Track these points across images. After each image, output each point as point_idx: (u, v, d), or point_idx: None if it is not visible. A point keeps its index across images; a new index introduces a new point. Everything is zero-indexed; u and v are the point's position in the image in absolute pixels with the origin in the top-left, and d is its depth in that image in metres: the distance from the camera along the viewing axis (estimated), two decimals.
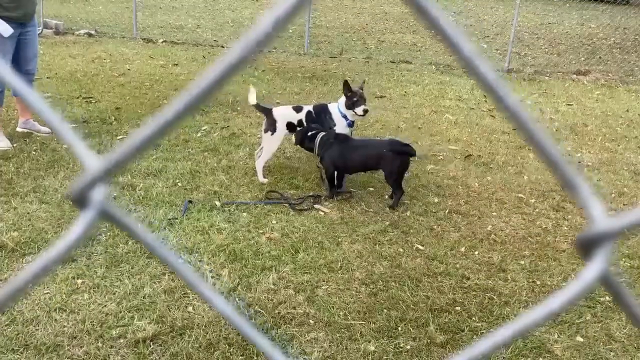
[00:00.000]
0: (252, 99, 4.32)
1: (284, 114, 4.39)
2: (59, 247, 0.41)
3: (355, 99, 4.24)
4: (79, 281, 2.89)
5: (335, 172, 4.12)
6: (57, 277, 2.89)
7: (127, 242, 3.25)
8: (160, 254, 0.45)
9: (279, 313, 2.76)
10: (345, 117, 4.31)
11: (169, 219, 3.58)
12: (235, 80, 7.49)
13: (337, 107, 4.36)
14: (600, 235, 0.39)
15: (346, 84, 4.26)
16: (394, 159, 3.96)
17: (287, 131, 4.38)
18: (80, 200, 0.40)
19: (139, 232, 0.43)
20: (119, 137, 4.93)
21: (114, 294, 2.81)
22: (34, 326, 2.55)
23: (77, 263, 3.03)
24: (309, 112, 4.42)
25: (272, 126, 4.31)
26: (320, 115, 4.40)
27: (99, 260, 3.08)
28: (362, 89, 4.38)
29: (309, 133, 4.21)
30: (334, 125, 4.33)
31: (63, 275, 2.90)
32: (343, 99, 4.31)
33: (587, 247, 0.40)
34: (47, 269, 0.41)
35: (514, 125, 0.40)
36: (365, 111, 4.24)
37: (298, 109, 4.44)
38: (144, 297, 2.80)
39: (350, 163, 4.10)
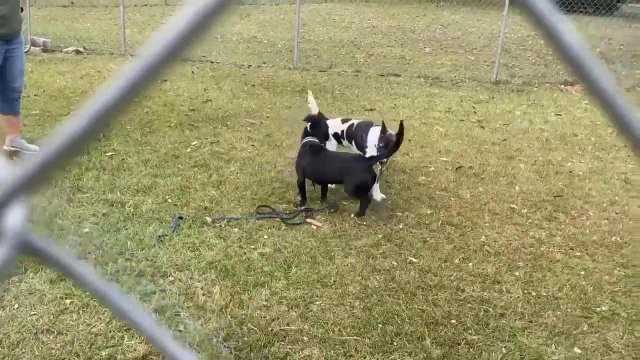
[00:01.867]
0: (315, 107, 4.58)
1: (333, 125, 4.56)
2: None
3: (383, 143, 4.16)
4: (68, 301, 2.82)
5: (316, 184, 4.31)
6: (45, 298, 2.82)
7: (116, 261, 3.20)
8: (94, 288, 0.38)
9: (272, 330, 2.71)
10: (377, 146, 4.25)
11: (159, 236, 3.53)
12: (226, 95, 7.48)
13: (377, 132, 4.25)
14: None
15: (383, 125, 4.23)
16: (356, 176, 3.98)
17: (335, 141, 4.59)
18: None
19: (69, 265, 0.37)
20: (107, 154, 4.88)
21: (103, 313, 2.75)
22: (21, 349, 2.48)
23: (65, 282, 2.97)
24: (350, 126, 4.53)
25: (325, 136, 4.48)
26: (357, 133, 4.44)
27: None
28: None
29: (302, 141, 4.26)
30: (366, 146, 4.32)
31: (51, 296, 2.84)
32: (378, 130, 4.23)
33: None
34: None
35: (621, 135, 0.35)
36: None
37: (344, 121, 4.61)
38: None
39: (317, 173, 4.19)
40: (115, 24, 12.75)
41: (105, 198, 4.01)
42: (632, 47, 15.61)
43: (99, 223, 3.65)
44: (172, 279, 3.09)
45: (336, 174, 4.14)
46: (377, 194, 4.25)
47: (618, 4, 26.47)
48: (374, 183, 4.09)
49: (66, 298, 2.84)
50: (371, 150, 4.29)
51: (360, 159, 4.09)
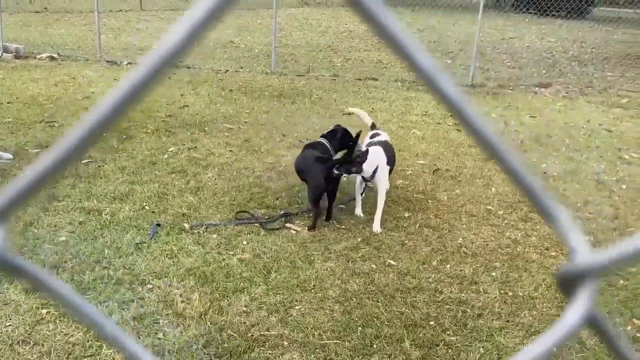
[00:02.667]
0: (368, 119, 4.68)
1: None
2: None
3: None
4: (44, 311, 2.79)
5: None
6: (20, 308, 2.78)
7: (93, 269, 3.16)
8: (70, 302, 0.38)
9: (252, 336, 2.71)
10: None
11: (137, 243, 3.50)
12: (203, 100, 7.45)
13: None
14: (584, 272, 0.34)
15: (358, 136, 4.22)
16: (311, 177, 3.96)
17: None
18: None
19: (49, 284, 0.37)
20: (83, 161, 4.83)
21: (81, 322, 2.71)
22: None
23: (41, 292, 2.92)
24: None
25: None
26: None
27: None
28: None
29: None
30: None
31: (27, 306, 2.80)
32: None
33: (569, 285, 0.34)
34: None
35: (477, 142, 0.37)
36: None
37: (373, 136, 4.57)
38: None
39: (296, 169, 4.17)
40: (90, 29, 12.62)
41: (81, 206, 3.97)
42: (603, 49, 15.93)
43: (76, 231, 3.61)
44: (151, 286, 3.07)
45: (302, 174, 4.09)
46: (358, 209, 4.22)
47: (589, 8, 27.02)
48: (331, 189, 3.98)
49: (42, 308, 2.81)
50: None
51: (319, 160, 3.94)
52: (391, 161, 4.16)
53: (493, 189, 4.80)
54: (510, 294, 3.22)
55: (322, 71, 10.40)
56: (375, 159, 3.99)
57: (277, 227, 3.88)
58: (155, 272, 3.20)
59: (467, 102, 0.35)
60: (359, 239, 3.78)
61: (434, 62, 0.34)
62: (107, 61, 10.10)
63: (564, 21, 22.20)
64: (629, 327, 2.94)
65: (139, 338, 2.63)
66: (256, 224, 3.87)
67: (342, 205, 4.33)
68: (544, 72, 11.62)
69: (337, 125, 4.46)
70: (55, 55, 10.19)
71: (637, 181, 5.25)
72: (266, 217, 3.98)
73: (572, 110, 8.30)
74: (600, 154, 6.05)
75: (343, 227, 3.97)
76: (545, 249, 3.78)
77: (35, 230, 3.58)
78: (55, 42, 11.46)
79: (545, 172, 5.33)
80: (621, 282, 3.40)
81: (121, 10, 18.80)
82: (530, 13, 26.63)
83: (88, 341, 2.58)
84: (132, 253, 3.39)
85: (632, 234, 4.05)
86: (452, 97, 0.34)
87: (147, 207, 4.04)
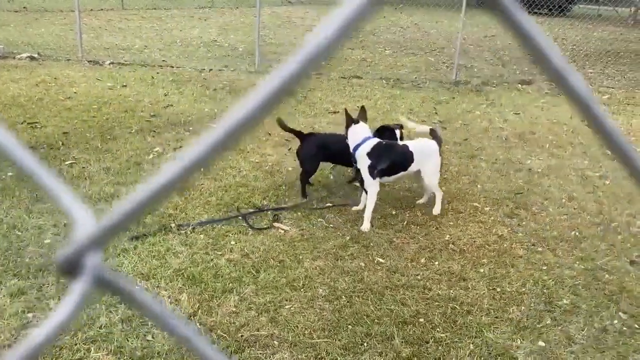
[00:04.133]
0: (421, 127, 4.51)
1: None
2: (48, 328, 0.34)
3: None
4: (30, 315, 2.75)
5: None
6: (5, 312, 2.74)
7: None
8: (168, 325, 0.39)
9: (242, 336, 2.69)
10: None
11: (133, 239, 3.46)
12: (187, 100, 7.40)
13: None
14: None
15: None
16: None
17: None
18: (70, 269, 0.34)
19: (143, 301, 0.38)
20: (67, 163, 4.77)
21: (68, 326, 2.68)
22: None
23: (27, 296, 2.89)
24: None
25: None
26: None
27: (50, 291, 2.94)
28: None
29: None
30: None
31: (12, 310, 2.76)
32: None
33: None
34: (32, 357, 0.34)
35: (603, 142, 0.38)
36: None
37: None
38: (100, 328, 2.68)
39: None
40: (71, 29, 12.46)
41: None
42: (584, 46, 16.11)
43: (61, 234, 3.56)
44: (138, 288, 3.03)
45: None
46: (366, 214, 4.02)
47: (570, 5, 27.33)
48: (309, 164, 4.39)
49: (28, 312, 2.77)
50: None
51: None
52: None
53: (479, 186, 4.83)
54: (498, 290, 3.24)
55: None
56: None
57: (266, 226, 3.87)
58: (142, 274, 3.17)
59: (596, 101, 0.35)
60: (348, 238, 3.78)
61: (565, 60, 0.34)
62: (89, 61, 9.98)
63: (545, 18, 22.42)
64: (616, 321, 2.98)
65: (128, 340, 2.61)
66: (244, 224, 3.85)
67: (330, 204, 4.33)
68: (527, 69, 11.72)
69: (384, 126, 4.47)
70: (36, 55, 10.04)
71: (619, 176, 5.31)
72: (254, 214, 3.96)
73: (555, 106, 8.38)
74: (584, 150, 6.12)
75: (331, 225, 3.97)
76: (532, 245, 3.81)
77: (19, 233, 3.53)
78: (36, 42, 11.30)
79: (529, 169, 5.37)
80: (607, 276, 3.44)
81: (102, 9, 18.59)
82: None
83: (76, 344, 2.55)
84: (119, 255, 3.35)
85: (616, 228, 4.12)
86: (581, 95, 0.35)
87: None
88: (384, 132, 4.33)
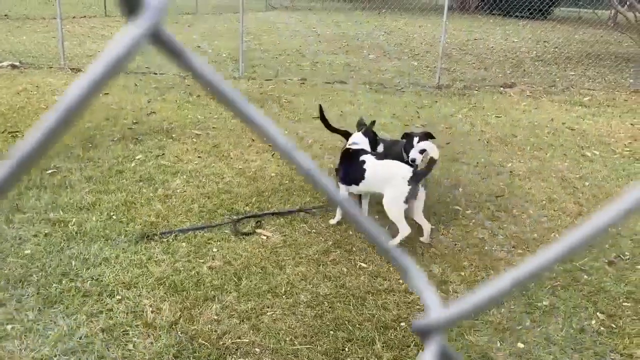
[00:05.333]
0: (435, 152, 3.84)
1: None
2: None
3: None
4: (9, 327, 2.73)
5: None
6: None
7: (60, 282, 3.11)
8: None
9: (223, 344, 2.69)
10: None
11: (105, 255, 3.45)
12: (170, 106, 7.38)
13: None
14: (434, 326, 0.46)
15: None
16: None
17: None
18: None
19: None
20: (48, 172, 4.74)
21: (48, 337, 2.67)
22: None
23: (6, 307, 2.86)
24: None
25: None
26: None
27: (30, 302, 2.92)
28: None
29: None
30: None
31: None
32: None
33: (424, 334, 0.47)
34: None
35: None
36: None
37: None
38: (80, 338, 2.67)
39: None
40: (53, 36, 12.37)
41: (46, 217, 3.89)
42: (565, 48, 16.29)
43: (41, 244, 3.54)
44: (120, 297, 3.03)
45: None
46: (420, 220, 3.89)
47: (551, 8, 27.66)
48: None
49: (7, 324, 2.75)
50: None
51: None
52: None
53: (460, 189, 4.87)
54: None
55: (291, 75, 10.40)
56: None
57: (248, 232, 3.87)
58: (124, 283, 3.16)
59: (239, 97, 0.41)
60: (330, 243, 3.79)
61: (218, 76, 0.39)
62: (72, 69, 9.93)
63: (527, 21, 22.66)
64: (593, 321, 3.02)
65: (108, 350, 2.60)
66: (226, 231, 3.85)
67: (314, 209, 4.34)
68: (509, 72, 11.84)
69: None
70: (17, 63, 9.97)
71: (599, 178, 5.39)
72: (237, 219, 3.96)
73: (536, 109, 8.47)
74: (564, 152, 6.19)
75: (314, 230, 3.98)
76: (512, 247, 3.85)
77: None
78: (17, 50, 11.21)
79: (511, 171, 5.43)
80: (585, 277, 3.49)
81: (85, 17, 18.50)
82: (494, 14, 27.13)
83: (55, 356, 2.54)
84: (100, 264, 3.34)
85: None
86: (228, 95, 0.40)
87: (114, 217, 3.99)
88: (406, 138, 4.25)
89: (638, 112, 8.58)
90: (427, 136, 4.20)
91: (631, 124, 7.73)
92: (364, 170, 3.87)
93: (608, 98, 9.60)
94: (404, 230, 3.71)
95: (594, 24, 20.49)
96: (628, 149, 6.46)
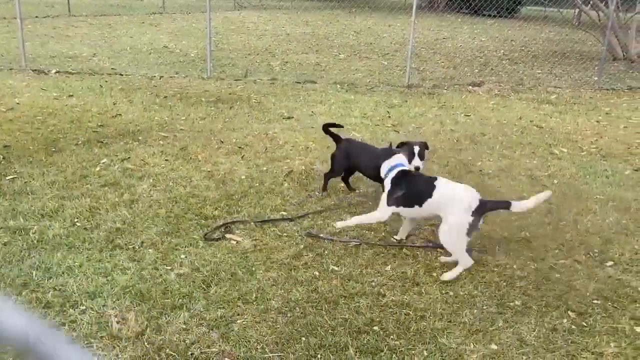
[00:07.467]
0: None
1: None
2: None
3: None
4: None
5: None
6: None
7: (20, 293, 2.98)
8: None
9: (192, 354, 2.61)
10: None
11: (68, 264, 3.32)
12: (137, 108, 7.22)
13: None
14: None
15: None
16: None
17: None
18: None
19: None
20: (8, 177, 4.57)
21: (7, 353, 2.54)
22: None
23: None
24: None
25: None
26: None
27: None
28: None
29: None
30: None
31: None
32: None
33: None
34: None
35: None
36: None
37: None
38: None
39: None
40: (14, 36, 12.03)
41: (6, 225, 3.74)
42: (532, 47, 16.54)
43: (0, 253, 3.39)
44: (84, 307, 2.91)
45: None
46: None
47: (518, 7, 28.09)
48: None
49: None
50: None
51: None
52: None
53: None
54: (451, 293, 3.25)
55: (260, 75, 10.31)
56: None
57: (217, 237, 3.78)
58: (88, 293, 3.04)
59: None
60: (302, 246, 3.73)
61: None
62: (33, 70, 9.65)
63: (494, 20, 22.96)
64: (565, 320, 3.02)
65: None
66: (194, 236, 3.76)
67: (285, 213, 4.27)
68: (477, 71, 11.96)
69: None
70: None
71: (567, 175, 5.45)
72: (207, 228, 3.87)
73: (504, 107, 8.56)
74: (533, 150, 6.25)
75: (285, 234, 3.91)
76: (483, 247, 3.85)
77: None
78: None
79: (480, 170, 5.45)
80: (557, 275, 3.50)
81: (48, 16, 18.05)
82: (463, 13, 27.43)
83: None
84: (63, 273, 3.22)
85: (564, 227, 4.20)
86: None
87: (78, 224, 3.86)
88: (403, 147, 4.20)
89: (603, 109, 8.74)
90: (424, 146, 4.24)
91: (597, 121, 7.86)
92: (433, 188, 3.62)
93: (574, 96, 9.76)
94: (466, 262, 3.49)
95: (560, 23, 20.86)
96: (594, 146, 6.56)
